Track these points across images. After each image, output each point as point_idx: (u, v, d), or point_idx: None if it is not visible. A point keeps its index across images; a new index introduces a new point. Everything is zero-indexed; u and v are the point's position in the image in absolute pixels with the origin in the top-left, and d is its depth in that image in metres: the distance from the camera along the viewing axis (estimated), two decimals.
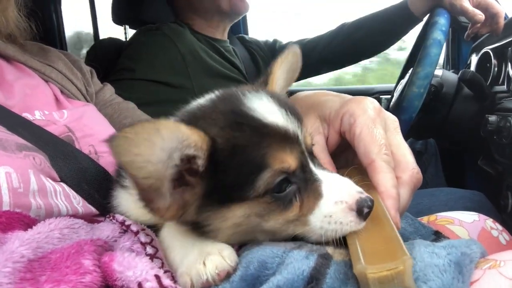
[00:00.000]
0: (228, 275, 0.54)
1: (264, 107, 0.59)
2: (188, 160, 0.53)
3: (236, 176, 0.55)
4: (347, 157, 0.76)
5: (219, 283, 0.53)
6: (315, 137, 0.73)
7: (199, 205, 0.56)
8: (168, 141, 0.50)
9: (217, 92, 0.65)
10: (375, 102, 0.72)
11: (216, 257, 0.54)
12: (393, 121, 0.71)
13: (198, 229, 0.58)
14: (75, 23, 3.15)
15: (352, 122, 0.68)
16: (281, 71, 0.75)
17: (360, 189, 0.59)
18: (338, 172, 0.70)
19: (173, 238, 0.61)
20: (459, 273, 0.47)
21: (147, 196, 0.53)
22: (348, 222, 0.57)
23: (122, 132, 0.47)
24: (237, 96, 0.61)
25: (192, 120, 0.58)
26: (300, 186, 0.59)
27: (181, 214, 0.56)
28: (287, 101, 0.64)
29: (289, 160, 0.57)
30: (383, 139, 0.65)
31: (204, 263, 0.53)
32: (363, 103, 0.70)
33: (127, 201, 0.68)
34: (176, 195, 0.55)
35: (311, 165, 0.61)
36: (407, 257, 0.48)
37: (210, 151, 0.54)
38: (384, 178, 0.62)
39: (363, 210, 0.57)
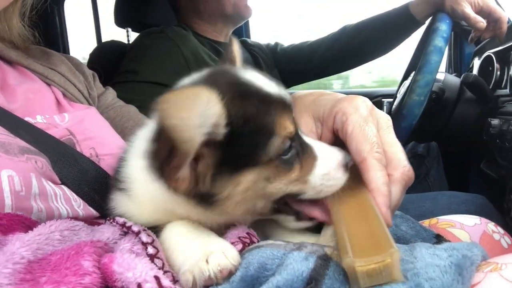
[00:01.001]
0: (230, 274, 0.54)
1: (258, 79, 0.63)
2: (214, 127, 0.56)
3: (249, 144, 0.59)
4: None
5: (221, 281, 0.53)
6: (309, 135, 0.75)
7: (212, 174, 0.59)
8: (206, 107, 0.53)
9: (208, 70, 0.67)
10: (367, 100, 0.72)
11: (219, 256, 0.55)
12: (385, 119, 0.71)
13: (207, 200, 0.61)
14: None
15: (344, 121, 0.68)
16: (237, 49, 0.79)
17: (339, 148, 0.67)
18: None
19: (174, 239, 0.62)
20: (459, 275, 0.47)
21: (173, 165, 0.57)
22: (340, 176, 0.65)
23: (171, 95, 0.50)
24: (232, 71, 0.65)
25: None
26: (298, 150, 0.64)
27: (194, 185, 0.59)
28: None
29: (291, 126, 0.62)
30: (375, 137, 0.65)
31: (207, 261, 0.54)
32: (355, 102, 0.70)
33: (124, 203, 0.69)
34: (192, 166, 0.58)
35: (300, 132, 0.67)
36: (395, 250, 0.48)
37: (227, 121, 0.56)
38: (375, 176, 0.63)
39: (348, 164, 0.65)
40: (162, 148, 0.57)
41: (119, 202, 0.70)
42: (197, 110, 0.52)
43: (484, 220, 0.92)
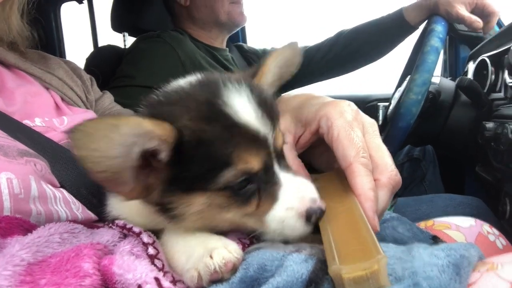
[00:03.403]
0: (234, 268, 0.55)
1: (240, 104, 0.59)
2: (152, 152, 0.55)
3: (199, 168, 0.57)
4: (328, 158, 0.75)
5: (226, 275, 0.54)
6: (285, 135, 0.74)
7: (163, 189, 0.59)
8: (127, 137, 0.52)
9: (199, 76, 0.65)
10: (352, 104, 0.72)
11: (222, 250, 0.56)
12: (371, 124, 0.71)
13: (165, 212, 0.60)
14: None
15: (330, 125, 0.68)
16: (274, 65, 0.73)
17: (314, 196, 0.61)
18: (316, 178, 0.73)
19: (175, 240, 0.62)
20: (457, 275, 0.47)
21: (107, 184, 0.56)
22: (298, 227, 0.60)
23: (82, 125, 0.49)
24: (217, 86, 0.61)
25: (166, 104, 0.61)
26: (260, 187, 0.61)
27: (146, 195, 0.59)
28: (268, 99, 0.64)
29: (253, 162, 0.58)
30: (361, 142, 0.66)
31: (211, 256, 0.55)
32: (340, 106, 0.70)
33: (118, 206, 0.69)
34: (141, 177, 0.57)
35: (276, 167, 0.62)
36: (382, 256, 0.48)
37: (176, 142, 0.56)
38: (361, 182, 0.63)
39: (311, 218, 0.59)
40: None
41: (114, 206, 0.70)
42: (114, 140, 0.51)
43: (479, 221, 0.93)
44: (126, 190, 0.57)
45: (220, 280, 0.54)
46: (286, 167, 0.64)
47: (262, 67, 0.72)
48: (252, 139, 0.58)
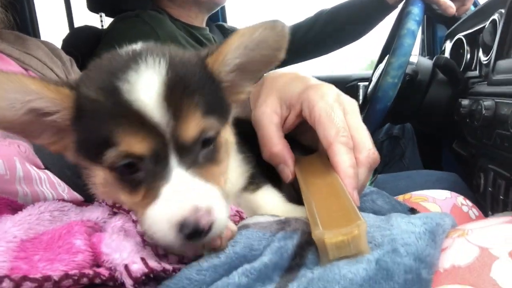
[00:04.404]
0: (232, 237, 0.57)
1: (142, 86, 0.53)
2: (44, 112, 0.57)
3: (93, 140, 0.56)
4: (312, 137, 0.76)
5: (226, 242, 0.56)
6: (272, 116, 0.76)
7: (76, 151, 0.60)
8: (9, 93, 0.54)
9: (126, 49, 0.62)
10: (332, 87, 0.74)
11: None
12: (351, 104, 0.74)
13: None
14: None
15: (311, 108, 0.70)
16: (238, 45, 0.62)
17: (203, 206, 0.51)
18: (299, 159, 0.74)
19: None
20: (432, 241, 0.50)
21: (19, 135, 0.62)
22: (169, 237, 0.51)
23: None
24: (130, 58, 0.57)
25: (90, 69, 0.62)
26: (148, 178, 0.55)
27: (63, 151, 0.62)
28: (187, 84, 0.57)
29: (137, 147, 0.53)
30: (341, 122, 0.68)
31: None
32: (321, 90, 0.72)
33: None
34: (59, 135, 0.60)
35: (173, 161, 0.54)
36: (361, 222, 0.51)
37: (76, 108, 0.57)
38: (341, 160, 0.66)
39: (184, 231, 0.50)
40: None
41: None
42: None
43: (454, 194, 0.97)
44: (44, 143, 0.61)
45: (217, 249, 0.55)
46: (191, 164, 0.55)
47: (221, 47, 0.62)
48: (141, 123, 0.52)
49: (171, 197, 0.53)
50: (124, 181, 0.56)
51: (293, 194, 0.77)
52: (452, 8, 1.63)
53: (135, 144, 0.53)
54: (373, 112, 1.49)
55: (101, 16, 2.56)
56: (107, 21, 2.39)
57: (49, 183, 0.73)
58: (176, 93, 0.54)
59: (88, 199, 0.75)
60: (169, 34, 1.79)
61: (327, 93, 0.72)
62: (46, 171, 0.75)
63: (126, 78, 0.54)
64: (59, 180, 0.76)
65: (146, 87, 0.53)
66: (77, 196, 0.77)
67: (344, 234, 0.50)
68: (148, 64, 0.55)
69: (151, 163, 0.54)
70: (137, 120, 0.52)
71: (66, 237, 0.51)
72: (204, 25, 2.06)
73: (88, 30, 2.24)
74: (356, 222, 0.51)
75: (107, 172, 0.57)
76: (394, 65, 1.43)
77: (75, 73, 1.16)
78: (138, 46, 0.63)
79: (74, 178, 0.81)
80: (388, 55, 1.52)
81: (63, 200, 0.62)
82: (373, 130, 1.53)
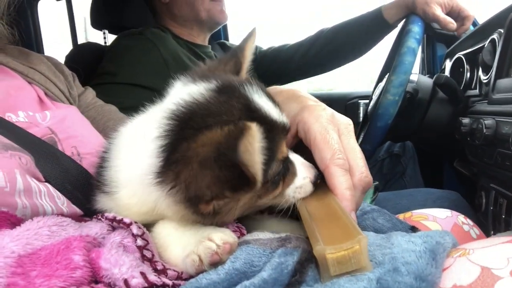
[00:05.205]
0: (231, 250, 0.57)
1: (265, 103, 0.65)
2: None
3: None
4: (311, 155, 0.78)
5: (225, 256, 0.56)
6: None
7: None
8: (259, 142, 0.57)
9: (214, 83, 0.65)
10: (327, 109, 0.76)
11: (219, 233, 0.58)
12: (346, 125, 0.74)
13: (209, 215, 0.62)
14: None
15: (307, 130, 0.72)
16: (250, 57, 0.78)
17: (311, 165, 0.71)
18: None
19: (167, 232, 0.63)
20: (433, 260, 0.50)
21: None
22: (310, 189, 0.70)
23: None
24: (240, 91, 0.64)
25: (206, 116, 0.59)
26: (285, 168, 0.67)
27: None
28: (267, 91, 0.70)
29: (285, 150, 0.67)
30: (337, 144, 0.69)
31: (209, 239, 0.57)
32: (316, 112, 0.73)
33: (108, 204, 0.69)
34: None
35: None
36: (362, 237, 0.51)
37: None
38: (338, 182, 0.67)
39: (317, 180, 0.70)
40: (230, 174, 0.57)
41: (105, 204, 0.69)
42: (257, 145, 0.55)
43: (455, 213, 0.97)
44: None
45: (218, 264, 0.55)
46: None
47: (243, 62, 0.77)
48: (282, 130, 0.66)
49: (302, 169, 0.70)
50: (273, 184, 0.66)
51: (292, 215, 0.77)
52: (452, 23, 1.65)
53: (284, 149, 0.67)
54: (373, 130, 1.49)
55: (104, 33, 2.59)
56: (111, 38, 2.42)
57: (49, 196, 0.72)
58: (273, 101, 0.68)
59: (87, 213, 0.75)
60: (171, 51, 1.82)
61: (321, 114, 0.73)
62: (46, 184, 0.75)
63: (263, 106, 0.65)
64: (59, 194, 0.75)
65: (269, 104, 0.66)
66: (76, 210, 0.77)
67: (345, 249, 0.50)
68: (257, 90, 0.66)
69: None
70: (281, 131, 0.67)
71: (64, 252, 0.51)
72: (206, 43, 2.09)
73: (91, 46, 2.27)
74: (357, 237, 0.51)
75: (258, 188, 0.61)
76: (394, 83, 1.44)
77: (77, 87, 1.17)
78: (223, 82, 0.68)
79: (75, 192, 0.81)
80: (388, 73, 1.53)
81: (62, 215, 0.61)
82: (374, 148, 1.53)
